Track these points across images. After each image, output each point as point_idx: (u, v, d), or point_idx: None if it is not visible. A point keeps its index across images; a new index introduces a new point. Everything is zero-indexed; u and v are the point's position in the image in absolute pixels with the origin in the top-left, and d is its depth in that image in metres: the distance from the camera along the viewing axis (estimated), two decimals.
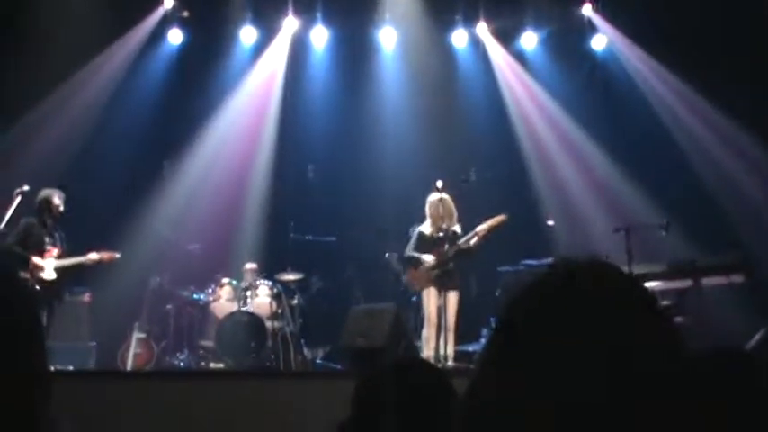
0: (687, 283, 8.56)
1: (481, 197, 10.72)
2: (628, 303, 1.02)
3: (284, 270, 10.10)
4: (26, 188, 8.21)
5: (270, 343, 9.53)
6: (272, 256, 10.75)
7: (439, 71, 12.09)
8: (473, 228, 8.78)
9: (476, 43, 12.27)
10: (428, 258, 8.68)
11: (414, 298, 9.40)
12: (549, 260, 9.47)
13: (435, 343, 8.40)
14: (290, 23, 11.98)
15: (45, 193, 8.38)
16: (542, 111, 12.07)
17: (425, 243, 8.78)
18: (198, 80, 11.77)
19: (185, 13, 11.88)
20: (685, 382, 1.00)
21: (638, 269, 8.07)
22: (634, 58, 11.70)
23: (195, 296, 10.30)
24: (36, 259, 8.19)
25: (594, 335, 0.98)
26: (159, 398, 6.42)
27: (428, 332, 8.56)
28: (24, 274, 8.01)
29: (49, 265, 8.23)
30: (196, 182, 11.51)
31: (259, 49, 12.15)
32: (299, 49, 12.16)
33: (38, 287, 8.06)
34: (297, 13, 11.94)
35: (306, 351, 9.93)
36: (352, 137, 11.89)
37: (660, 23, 10.83)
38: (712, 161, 11.00)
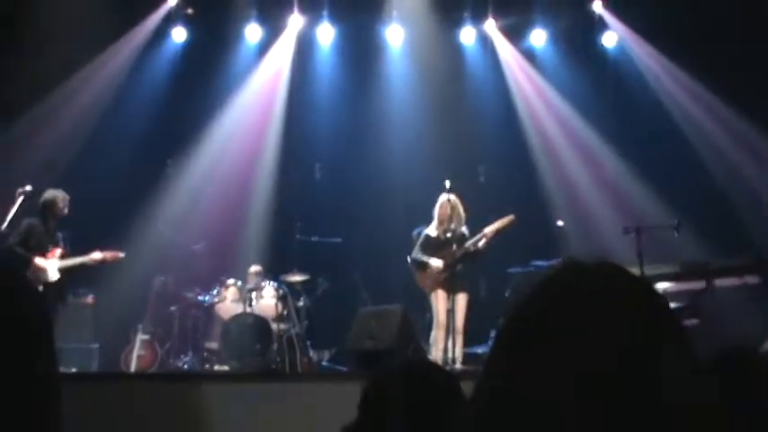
0: (700, 284, 8.53)
1: (489, 197, 10.73)
2: (635, 304, 1.02)
3: (290, 271, 10.10)
4: (28, 188, 8.23)
5: (275, 345, 9.53)
6: (277, 256, 10.76)
7: (447, 69, 12.08)
8: (480, 229, 8.77)
9: (484, 41, 12.25)
10: (436, 263, 8.67)
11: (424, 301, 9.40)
12: (559, 261, 9.45)
13: (444, 345, 8.40)
14: (295, 21, 11.98)
15: (49, 194, 8.39)
16: (552, 109, 12.05)
17: (432, 245, 8.78)
18: (202, 78, 11.78)
19: (189, 11, 11.88)
20: (693, 384, 1.00)
21: (649, 270, 8.04)
22: (645, 56, 11.67)
23: (200, 297, 10.31)
24: (38, 260, 8.20)
25: (601, 336, 0.98)
26: (163, 401, 6.42)
27: (437, 334, 8.56)
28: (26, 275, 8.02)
29: (51, 266, 8.24)
30: (201, 181, 11.53)
31: (264, 46, 12.16)
32: (304, 46, 12.16)
33: (40, 288, 8.06)
34: (302, 10, 11.94)
35: (312, 353, 9.94)
36: (358, 136, 11.89)
37: (672, 20, 10.80)
38: (725, 160, 10.96)
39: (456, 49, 12.25)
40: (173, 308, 10.29)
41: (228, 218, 11.18)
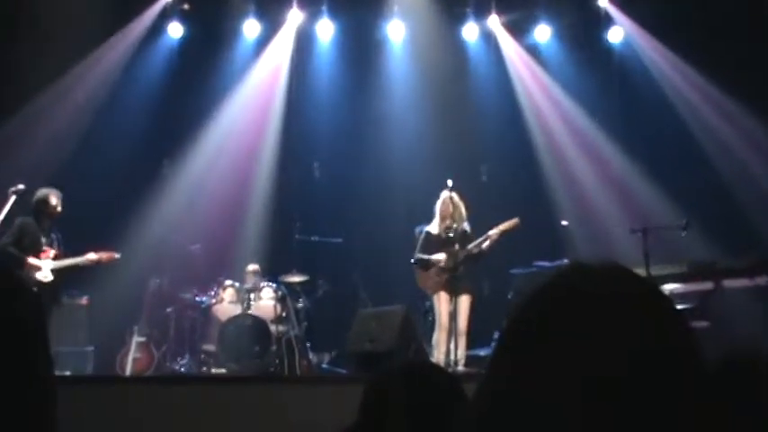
0: (708, 285, 8.53)
1: (492, 196, 10.74)
2: (642, 306, 1.03)
3: (289, 272, 10.11)
4: (21, 187, 8.22)
5: (274, 347, 9.53)
6: (276, 257, 10.77)
7: (449, 66, 12.08)
8: (483, 227, 8.78)
9: (487, 37, 12.25)
10: (439, 257, 8.67)
11: (428, 302, 9.40)
12: (563, 262, 9.47)
13: (446, 347, 8.41)
14: (294, 16, 11.98)
15: (42, 192, 8.38)
16: (556, 106, 12.05)
17: (433, 243, 8.78)
18: (199, 75, 11.78)
19: (186, 6, 11.89)
20: (699, 386, 1.01)
21: (656, 271, 8.04)
22: (652, 52, 11.66)
23: (197, 299, 10.31)
24: (32, 260, 8.20)
25: (607, 337, 0.99)
26: (159, 404, 6.43)
27: (439, 336, 8.56)
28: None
29: (45, 267, 8.24)
30: (197, 180, 11.53)
31: (262, 42, 12.16)
32: (304, 42, 12.16)
33: (34, 289, 8.06)
34: (301, 5, 11.94)
35: (311, 356, 9.94)
36: (359, 134, 11.89)
37: (680, 14, 10.79)
38: (734, 158, 10.95)
39: (458, 46, 12.26)
40: (169, 309, 10.28)
41: (226, 217, 11.19)
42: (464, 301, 8.58)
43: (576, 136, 11.87)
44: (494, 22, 12.07)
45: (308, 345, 9.94)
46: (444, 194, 8.77)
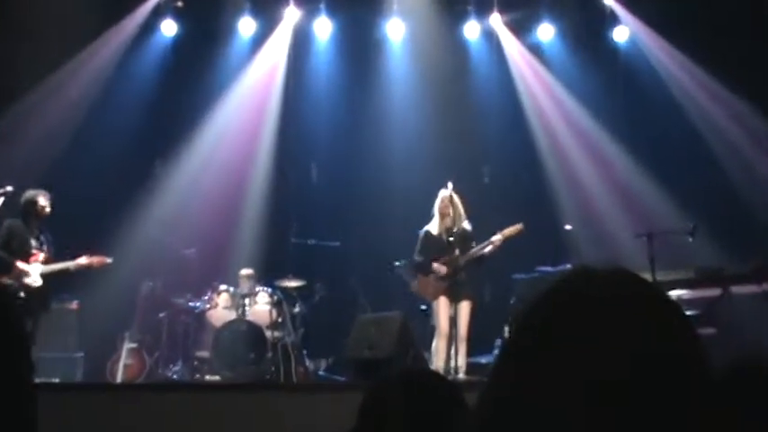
0: (716, 291, 8.53)
1: (494, 199, 10.74)
2: (647, 311, 1.03)
3: (285, 276, 10.10)
4: (9, 188, 8.21)
5: (270, 354, 9.53)
6: (272, 261, 10.77)
7: (450, 65, 12.09)
8: (485, 230, 8.78)
9: (489, 35, 12.25)
10: (439, 269, 8.67)
11: (424, 307, 9.40)
12: (567, 267, 9.47)
13: (446, 354, 8.40)
14: (291, 14, 11.97)
15: (30, 193, 8.37)
16: (560, 107, 12.05)
17: (433, 245, 8.78)
18: (193, 74, 11.78)
19: (179, 3, 11.88)
20: (705, 392, 1.02)
21: (662, 276, 8.04)
22: (658, 51, 11.66)
23: (190, 304, 10.30)
24: (21, 264, 8.18)
25: (612, 342, 1.00)
26: (151, 413, 6.42)
27: (438, 343, 8.56)
28: (8, 280, 8.01)
29: (34, 271, 8.22)
30: (191, 182, 11.53)
31: (258, 41, 12.16)
32: (301, 41, 12.16)
33: (23, 294, 8.06)
34: (299, 2, 11.94)
35: (308, 362, 9.94)
36: (357, 135, 11.89)
37: (686, 13, 10.80)
38: (742, 161, 10.95)
39: (459, 45, 12.26)
40: (162, 315, 10.28)
41: (221, 220, 11.18)
42: (464, 307, 8.58)
43: (579, 137, 11.87)
44: (495, 20, 12.06)
45: (305, 351, 9.94)
46: (443, 193, 8.79)
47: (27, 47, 10.27)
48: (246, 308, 9.98)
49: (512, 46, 12.22)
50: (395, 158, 11.63)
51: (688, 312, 7.94)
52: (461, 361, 8.40)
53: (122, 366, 9.94)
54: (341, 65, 12.21)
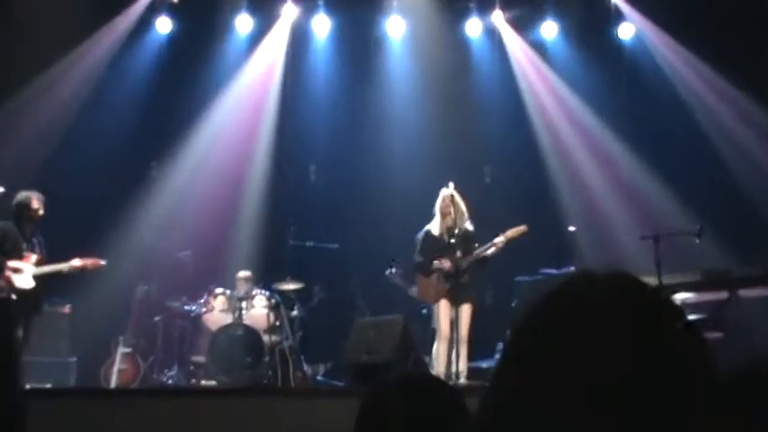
0: (723, 294, 8.52)
1: (496, 199, 10.74)
2: (650, 315, 1.04)
3: (283, 279, 10.09)
4: (1, 190, 8.21)
5: (267, 358, 9.52)
6: (269, 263, 10.76)
7: (451, 63, 12.09)
8: (487, 231, 8.78)
9: (491, 33, 12.26)
10: (442, 265, 8.65)
11: (424, 310, 9.40)
12: (570, 269, 9.47)
13: (447, 359, 8.40)
14: (289, 11, 11.98)
15: (23, 195, 8.37)
16: (563, 106, 12.05)
17: (434, 245, 8.77)
18: (189, 73, 11.78)
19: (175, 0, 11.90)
20: (709, 397, 1.02)
21: (668, 279, 8.03)
22: (664, 48, 11.66)
23: (186, 307, 10.30)
24: (13, 266, 8.18)
25: (614, 347, 1.00)
26: (146, 418, 6.41)
27: (439, 347, 8.56)
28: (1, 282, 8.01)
29: (27, 273, 8.22)
30: (187, 183, 11.53)
31: (256, 38, 12.17)
32: (299, 38, 12.17)
33: (14, 297, 8.05)
34: None
35: (306, 367, 9.93)
36: (356, 134, 11.90)
37: (693, 9, 10.80)
38: (750, 161, 10.95)
39: (461, 42, 12.27)
40: (157, 318, 10.27)
41: (217, 222, 11.18)
42: (466, 310, 8.57)
43: (583, 137, 11.87)
44: (498, 17, 12.07)
45: (303, 356, 9.92)
46: (444, 192, 8.79)
47: (18, 44, 10.26)
48: (243, 311, 9.97)
49: (514, 44, 12.22)
50: (395, 158, 11.64)
51: (695, 316, 7.96)
52: (462, 365, 8.40)
53: (116, 371, 9.92)
54: (340, 63, 12.21)
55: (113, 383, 9.82)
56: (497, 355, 9.18)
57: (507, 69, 12.21)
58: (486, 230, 8.85)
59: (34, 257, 8.33)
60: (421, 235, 8.92)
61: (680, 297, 8.37)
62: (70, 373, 9.98)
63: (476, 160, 11.70)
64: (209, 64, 11.93)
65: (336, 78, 12.14)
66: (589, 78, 11.85)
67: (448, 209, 8.73)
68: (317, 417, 6.26)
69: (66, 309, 10.21)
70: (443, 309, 8.59)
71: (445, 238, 8.71)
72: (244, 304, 10.03)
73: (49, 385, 9.12)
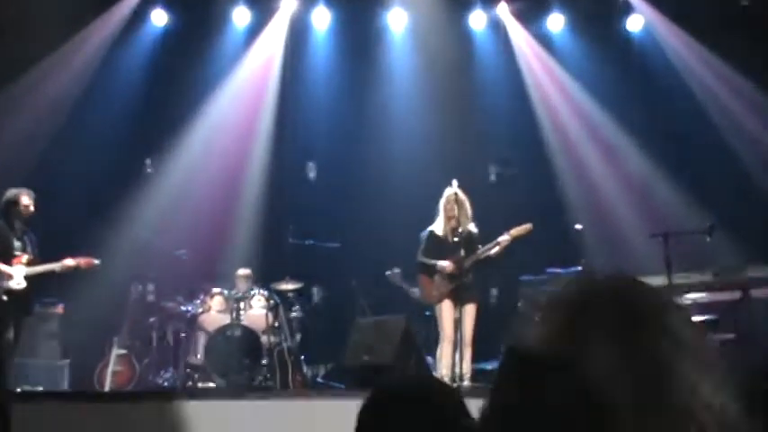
0: (735, 294, 8.52)
1: (501, 198, 10.73)
2: (652, 318, 1.05)
3: (282, 279, 10.10)
4: None
5: (265, 360, 9.53)
6: (268, 263, 10.77)
7: (454, 57, 12.08)
8: (491, 231, 8.78)
9: (496, 26, 12.25)
10: (445, 264, 8.65)
11: (427, 312, 9.39)
12: (577, 269, 9.47)
13: (451, 360, 8.40)
14: (288, 3, 11.99)
15: (12, 192, 8.38)
16: (570, 101, 12.05)
17: (438, 246, 8.77)
18: (185, 67, 11.78)
19: None
20: (717, 400, 1.03)
21: (678, 279, 8.02)
22: (674, 41, 11.65)
23: (182, 307, 10.30)
24: (3, 266, 8.19)
25: (617, 352, 1.02)
26: (141, 421, 6.41)
27: (443, 348, 8.55)
28: None
29: (17, 273, 8.22)
30: (183, 181, 11.53)
31: (254, 31, 12.16)
32: (298, 31, 12.17)
33: (4, 297, 8.06)
34: None
35: (306, 369, 9.93)
36: (357, 131, 11.90)
37: (704, 1, 10.79)
38: (764, 156, 10.94)
39: (464, 35, 12.26)
40: (152, 319, 10.28)
41: (214, 220, 11.18)
42: (469, 310, 8.57)
43: (591, 132, 11.87)
44: (503, 9, 12.06)
45: (303, 357, 9.92)
46: (448, 192, 8.78)
47: (8, 38, 10.25)
48: (241, 312, 9.97)
49: (520, 37, 12.21)
50: (396, 155, 11.63)
51: (706, 317, 7.95)
52: (466, 367, 8.41)
53: (111, 373, 9.92)
54: (340, 57, 12.21)
55: (108, 386, 9.82)
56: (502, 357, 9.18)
57: (512, 63, 12.21)
58: (491, 230, 8.84)
59: (26, 257, 8.33)
60: (425, 235, 8.91)
61: (691, 297, 8.37)
62: (63, 375, 9.98)
63: (480, 158, 11.71)
64: (205, 58, 11.92)
65: (337, 73, 12.13)
66: (597, 72, 11.83)
67: (452, 211, 8.72)
68: (317, 419, 6.26)
69: (59, 309, 10.21)
70: (447, 310, 8.59)
71: (449, 238, 8.71)
72: (242, 305, 10.04)
73: (40, 388, 9.12)
